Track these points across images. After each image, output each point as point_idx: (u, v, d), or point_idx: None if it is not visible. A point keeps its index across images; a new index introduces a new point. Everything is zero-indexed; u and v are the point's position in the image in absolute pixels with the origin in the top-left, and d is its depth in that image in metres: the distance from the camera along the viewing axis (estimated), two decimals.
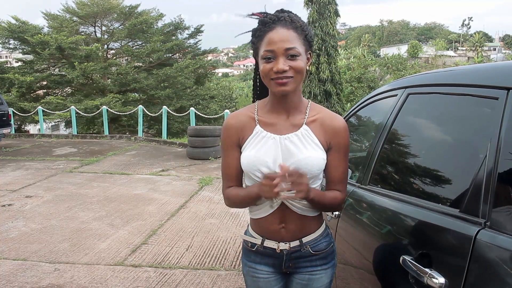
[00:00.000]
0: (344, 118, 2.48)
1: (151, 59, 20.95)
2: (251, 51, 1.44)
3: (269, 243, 1.47)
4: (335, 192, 1.45)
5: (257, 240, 1.49)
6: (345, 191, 1.49)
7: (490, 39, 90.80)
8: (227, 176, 1.50)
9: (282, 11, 1.37)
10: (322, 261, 1.50)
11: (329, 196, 1.43)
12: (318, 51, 20.36)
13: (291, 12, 1.37)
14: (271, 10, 1.40)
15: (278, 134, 1.40)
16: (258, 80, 1.52)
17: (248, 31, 1.40)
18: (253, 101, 1.54)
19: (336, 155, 1.42)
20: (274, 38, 1.30)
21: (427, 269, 1.15)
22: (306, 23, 1.39)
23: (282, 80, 1.30)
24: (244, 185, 1.51)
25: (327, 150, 1.42)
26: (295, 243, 1.45)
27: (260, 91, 1.53)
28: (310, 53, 1.39)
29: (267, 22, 1.32)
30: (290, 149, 1.37)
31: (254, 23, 1.41)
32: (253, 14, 1.40)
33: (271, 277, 1.53)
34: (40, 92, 21.30)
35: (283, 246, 1.45)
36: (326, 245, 1.50)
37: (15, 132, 14.46)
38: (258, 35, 1.34)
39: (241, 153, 1.45)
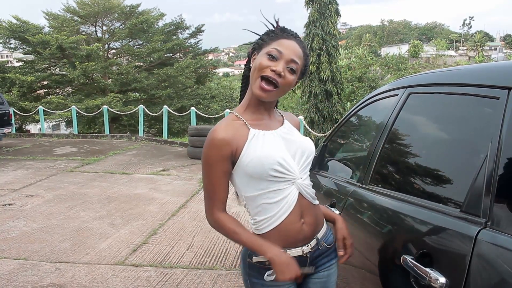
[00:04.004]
0: (345, 118, 2.49)
1: (151, 58, 20.98)
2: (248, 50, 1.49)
3: (293, 252, 1.39)
4: None
5: None
6: None
7: (491, 38, 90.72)
8: (215, 193, 1.39)
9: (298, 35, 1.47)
10: (334, 253, 1.53)
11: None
12: (318, 51, 20.34)
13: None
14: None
15: (271, 130, 1.44)
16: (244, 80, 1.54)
17: (259, 35, 1.46)
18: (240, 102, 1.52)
19: None
20: (288, 44, 1.37)
21: (428, 269, 1.15)
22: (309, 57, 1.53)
23: (269, 86, 1.34)
24: (241, 197, 1.45)
25: None
26: (313, 242, 1.45)
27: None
28: (297, 81, 1.45)
29: (286, 31, 1.41)
30: (288, 139, 1.45)
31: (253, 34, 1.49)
32: (271, 23, 1.45)
33: None
34: (41, 91, 21.33)
35: (307, 249, 1.42)
36: (333, 237, 1.54)
37: (16, 131, 14.47)
38: (272, 35, 1.40)
39: (233, 165, 1.38)
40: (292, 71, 1.36)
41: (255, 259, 1.40)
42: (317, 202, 1.48)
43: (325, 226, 1.52)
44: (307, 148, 1.45)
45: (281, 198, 1.37)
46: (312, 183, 1.47)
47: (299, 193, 1.39)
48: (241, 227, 1.39)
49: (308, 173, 1.47)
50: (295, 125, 1.55)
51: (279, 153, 1.37)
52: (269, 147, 1.37)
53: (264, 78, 1.34)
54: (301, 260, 1.40)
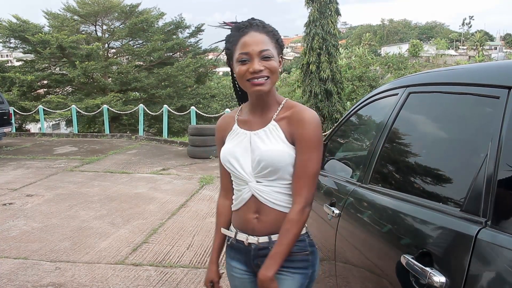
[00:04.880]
0: (345, 117, 2.48)
1: (151, 58, 20.96)
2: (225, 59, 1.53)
3: (240, 236, 1.52)
4: (290, 215, 1.40)
5: (232, 233, 1.56)
6: (305, 196, 1.40)
7: (491, 38, 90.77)
8: (220, 176, 1.69)
9: (253, 19, 1.45)
10: (290, 264, 1.44)
11: (287, 234, 1.38)
12: (319, 50, 20.34)
13: (262, 20, 1.46)
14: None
15: (250, 130, 1.50)
16: (237, 86, 1.59)
17: (222, 40, 1.49)
18: (239, 105, 1.65)
19: (298, 147, 1.41)
20: (248, 41, 1.38)
21: (428, 268, 1.15)
22: (276, 30, 1.47)
23: (259, 80, 1.38)
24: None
25: (293, 143, 1.43)
26: (264, 239, 1.46)
27: (242, 95, 1.61)
28: (281, 57, 1.47)
29: (240, 27, 1.42)
30: (256, 143, 1.46)
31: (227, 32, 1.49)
32: (224, 23, 1.49)
33: (246, 277, 1.55)
34: (41, 91, 21.35)
35: (252, 239, 1.48)
36: (297, 249, 1.44)
37: (16, 131, 14.48)
38: (232, 40, 1.43)
39: None
40: (268, 57, 1.38)
41: (222, 231, 1.62)
42: (282, 209, 1.45)
43: None
44: (266, 159, 1.41)
45: (238, 189, 1.53)
46: (276, 192, 1.44)
47: (253, 195, 1.47)
48: (219, 227, 1.64)
49: (274, 181, 1.44)
50: (295, 123, 1.41)
51: (233, 153, 1.49)
52: (232, 144, 1.52)
53: (250, 81, 1.39)
54: (246, 248, 1.52)
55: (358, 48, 43.08)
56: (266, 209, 1.45)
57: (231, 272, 1.60)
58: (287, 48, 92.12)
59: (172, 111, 13.99)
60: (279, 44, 1.44)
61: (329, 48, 20.40)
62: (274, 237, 1.45)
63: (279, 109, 1.48)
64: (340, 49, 24.37)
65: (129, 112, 16.10)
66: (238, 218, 1.55)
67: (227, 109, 11.30)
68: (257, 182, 1.45)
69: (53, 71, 21.03)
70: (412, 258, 1.24)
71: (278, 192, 1.45)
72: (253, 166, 1.45)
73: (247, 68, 1.37)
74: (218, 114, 15.39)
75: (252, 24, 1.41)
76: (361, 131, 2.47)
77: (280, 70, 1.45)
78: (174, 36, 22.30)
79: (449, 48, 69.60)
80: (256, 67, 1.36)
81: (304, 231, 1.49)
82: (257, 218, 1.47)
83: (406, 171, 1.67)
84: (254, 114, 1.51)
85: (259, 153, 1.43)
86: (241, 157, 1.48)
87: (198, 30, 22.97)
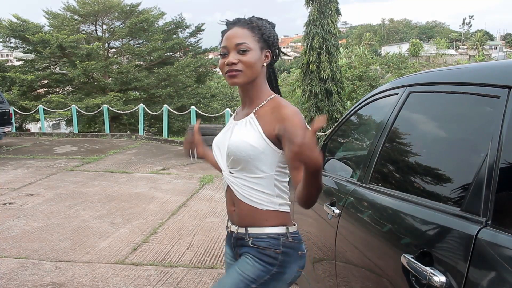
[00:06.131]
0: (345, 117, 2.48)
1: (152, 57, 20.95)
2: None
3: (229, 223, 1.60)
4: None
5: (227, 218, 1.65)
6: None
7: (491, 37, 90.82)
8: None
9: (252, 16, 1.52)
10: (258, 254, 1.46)
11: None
12: (319, 50, 20.31)
13: (257, 17, 1.51)
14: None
15: (235, 121, 1.57)
16: None
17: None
18: None
19: (287, 139, 1.33)
20: (228, 35, 1.46)
21: (428, 268, 1.15)
22: (269, 26, 1.50)
23: (232, 72, 1.43)
24: None
25: (278, 139, 1.41)
26: (242, 229, 1.51)
27: None
28: (269, 51, 1.49)
29: (228, 24, 1.50)
30: (232, 133, 1.52)
31: None
32: (227, 21, 1.55)
33: (232, 263, 1.60)
34: (41, 90, 21.34)
35: (233, 228, 1.55)
36: (267, 245, 1.45)
37: (16, 130, 14.47)
38: (221, 36, 1.51)
39: None
40: (244, 51, 1.42)
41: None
42: (253, 204, 1.46)
43: (263, 229, 1.47)
44: (230, 148, 1.47)
45: (222, 179, 1.59)
46: (244, 185, 1.46)
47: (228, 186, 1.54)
48: None
49: (240, 172, 1.47)
50: (278, 118, 1.41)
51: (217, 142, 1.59)
52: (221, 134, 1.61)
53: (226, 73, 1.45)
54: (230, 235, 1.60)
55: (358, 48, 43.01)
56: (240, 202, 1.49)
57: (225, 258, 1.68)
58: (287, 47, 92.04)
59: (172, 111, 13.99)
60: (264, 39, 1.47)
61: (329, 47, 20.36)
62: (250, 230, 1.49)
63: (262, 103, 1.50)
64: (340, 48, 24.33)
65: (129, 111, 16.10)
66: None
67: (227, 109, 11.28)
68: (230, 172, 1.51)
69: (53, 70, 21.01)
70: (412, 257, 1.24)
71: (246, 186, 1.47)
72: (225, 156, 1.53)
73: (224, 61, 1.44)
74: (218, 114, 15.38)
75: (240, 20, 1.48)
76: (361, 131, 2.47)
77: (264, 64, 1.49)
78: (174, 36, 22.27)
79: (449, 48, 69.61)
80: (229, 59, 1.42)
81: (283, 230, 1.48)
82: (235, 211, 1.53)
83: (406, 170, 1.67)
84: (243, 106, 1.60)
85: (229, 142, 1.49)
86: (221, 147, 1.56)
87: (198, 29, 22.94)
